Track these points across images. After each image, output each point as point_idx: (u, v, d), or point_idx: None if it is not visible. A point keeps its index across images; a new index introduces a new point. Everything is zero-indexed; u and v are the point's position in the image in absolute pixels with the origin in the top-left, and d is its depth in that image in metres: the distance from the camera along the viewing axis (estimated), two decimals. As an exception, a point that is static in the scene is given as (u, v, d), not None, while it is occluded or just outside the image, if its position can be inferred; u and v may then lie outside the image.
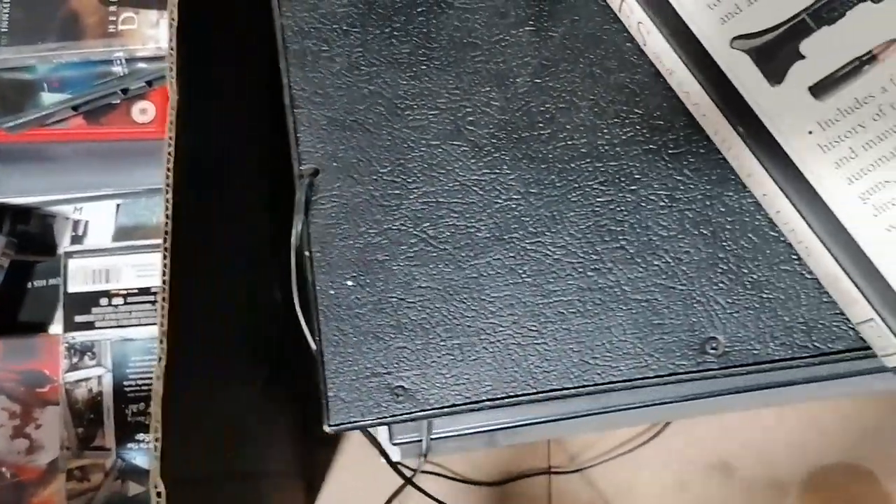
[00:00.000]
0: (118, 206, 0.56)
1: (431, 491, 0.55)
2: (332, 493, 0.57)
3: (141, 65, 0.48)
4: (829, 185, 0.26)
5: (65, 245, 0.55)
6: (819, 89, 0.26)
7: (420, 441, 0.50)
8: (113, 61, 0.48)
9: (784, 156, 0.26)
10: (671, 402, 0.49)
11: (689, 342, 0.29)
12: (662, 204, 0.30)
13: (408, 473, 0.56)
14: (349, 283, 0.32)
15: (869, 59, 0.26)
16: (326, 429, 0.31)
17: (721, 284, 0.29)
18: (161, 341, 0.35)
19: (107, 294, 0.53)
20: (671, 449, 0.55)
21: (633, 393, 0.42)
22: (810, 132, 0.26)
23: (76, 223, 0.56)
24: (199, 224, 0.38)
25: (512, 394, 0.30)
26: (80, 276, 0.54)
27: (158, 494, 0.34)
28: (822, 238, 0.26)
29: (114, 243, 0.55)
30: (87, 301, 0.54)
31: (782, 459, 0.54)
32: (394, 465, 0.41)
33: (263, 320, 0.48)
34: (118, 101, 0.48)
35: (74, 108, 0.48)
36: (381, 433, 0.47)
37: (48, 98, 0.51)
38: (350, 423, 0.31)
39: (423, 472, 0.56)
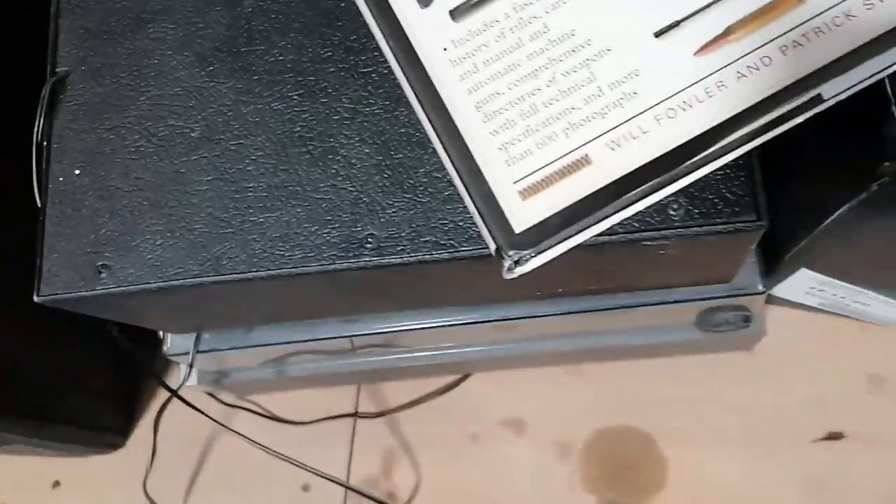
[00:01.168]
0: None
1: (242, 427, 0.58)
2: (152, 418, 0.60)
3: None
4: (453, 95, 0.29)
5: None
6: (457, 12, 0.30)
7: (216, 366, 0.53)
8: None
9: (421, 68, 0.30)
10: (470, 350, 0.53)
11: (351, 237, 0.32)
12: (347, 116, 0.34)
13: (222, 408, 0.59)
14: (77, 171, 0.36)
15: (499, -12, 0.30)
16: (36, 299, 0.34)
17: (385, 188, 0.33)
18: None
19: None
20: (469, 401, 0.58)
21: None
22: (445, 49, 0.30)
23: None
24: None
25: (199, 276, 0.33)
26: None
27: None
28: (445, 141, 0.29)
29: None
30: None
31: (570, 420, 0.57)
32: (152, 374, 0.43)
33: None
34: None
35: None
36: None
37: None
38: (57, 294, 0.34)
39: (235, 406, 0.59)
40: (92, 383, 0.59)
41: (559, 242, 0.28)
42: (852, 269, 0.42)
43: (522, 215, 0.28)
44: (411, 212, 0.32)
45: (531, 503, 0.55)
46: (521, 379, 0.58)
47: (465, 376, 0.58)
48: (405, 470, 0.58)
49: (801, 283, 0.48)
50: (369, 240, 0.32)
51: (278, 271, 0.33)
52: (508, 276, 0.29)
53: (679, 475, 0.55)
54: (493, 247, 0.29)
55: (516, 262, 0.29)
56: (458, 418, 0.58)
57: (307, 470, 0.55)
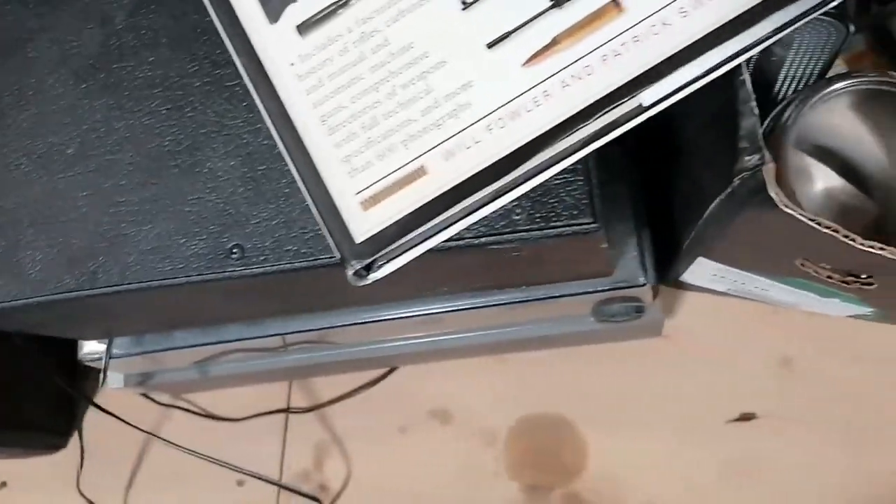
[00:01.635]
0: None
1: (178, 426, 0.60)
2: (91, 423, 0.61)
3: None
4: (299, 108, 0.30)
5: None
6: (303, 27, 0.31)
7: (149, 371, 0.54)
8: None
9: (270, 83, 0.30)
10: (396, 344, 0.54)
11: (218, 248, 0.33)
12: (213, 129, 0.34)
13: (157, 407, 0.60)
14: (-38, 191, 0.37)
15: (344, 3, 0.30)
16: (-77, 315, 0.36)
17: (249, 199, 0.34)
18: None
19: None
20: (397, 393, 0.59)
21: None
22: (292, 64, 0.30)
23: None
24: None
25: (76, 290, 0.34)
26: None
27: None
28: (291, 154, 0.30)
29: None
30: None
31: (494, 409, 0.58)
32: (65, 383, 0.44)
33: None
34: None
35: None
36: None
37: None
38: (-58, 310, 0.35)
39: (168, 405, 0.60)
40: (34, 386, 0.60)
41: (403, 250, 0.29)
42: (738, 257, 0.43)
43: (364, 225, 0.29)
44: (274, 222, 0.33)
45: (458, 491, 0.57)
46: (446, 370, 0.59)
47: (393, 369, 0.59)
48: (336, 462, 0.59)
49: (704, 271, 0.49)
50: (235, 250, 0.33)
51: (149, 283, 0.34)
52: (355, 284, 0.30)
53: (599, 459, 0.56)
54: (336, 256, 0.30)
55: (364, 270, 0.30)
56: (386, 410, 0.59)
57: (236, 471, 0.56)
